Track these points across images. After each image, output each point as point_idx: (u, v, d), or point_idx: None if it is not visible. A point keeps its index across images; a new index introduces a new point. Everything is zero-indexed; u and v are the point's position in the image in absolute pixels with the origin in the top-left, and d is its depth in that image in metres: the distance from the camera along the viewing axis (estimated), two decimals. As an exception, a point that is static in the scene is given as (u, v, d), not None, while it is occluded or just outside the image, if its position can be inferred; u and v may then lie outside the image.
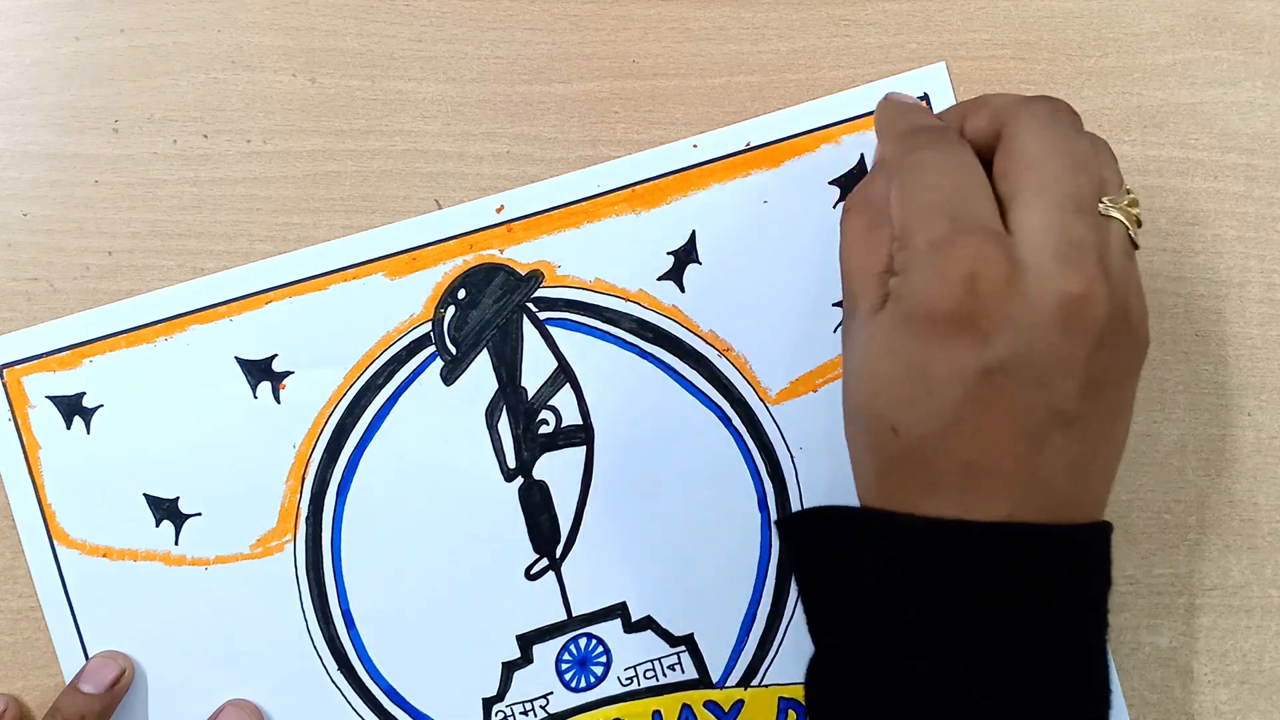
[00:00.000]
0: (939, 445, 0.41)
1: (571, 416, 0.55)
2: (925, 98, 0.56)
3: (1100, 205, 0.42)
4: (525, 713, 0.55)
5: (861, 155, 0.55)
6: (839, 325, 0.55)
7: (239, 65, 0.54)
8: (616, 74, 0.55)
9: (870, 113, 0.55)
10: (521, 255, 0.55)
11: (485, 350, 0.55)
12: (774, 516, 0.55)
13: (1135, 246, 0.44)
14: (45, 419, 0.54)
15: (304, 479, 0.54)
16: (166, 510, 0.54)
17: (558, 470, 0.55)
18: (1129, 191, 0.44)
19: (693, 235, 0.55)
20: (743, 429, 0.55)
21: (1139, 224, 0.44)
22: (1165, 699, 0.57)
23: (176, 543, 0.54)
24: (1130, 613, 0.56)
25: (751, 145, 0.55)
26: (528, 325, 0.55)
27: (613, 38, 0.56)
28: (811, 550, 0.46)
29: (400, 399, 0.54)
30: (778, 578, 0.55)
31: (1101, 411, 0.42)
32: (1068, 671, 0.41)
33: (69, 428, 0.54)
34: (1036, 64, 0.56)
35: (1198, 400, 0.57)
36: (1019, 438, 0.41)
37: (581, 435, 0.55)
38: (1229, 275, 0.57)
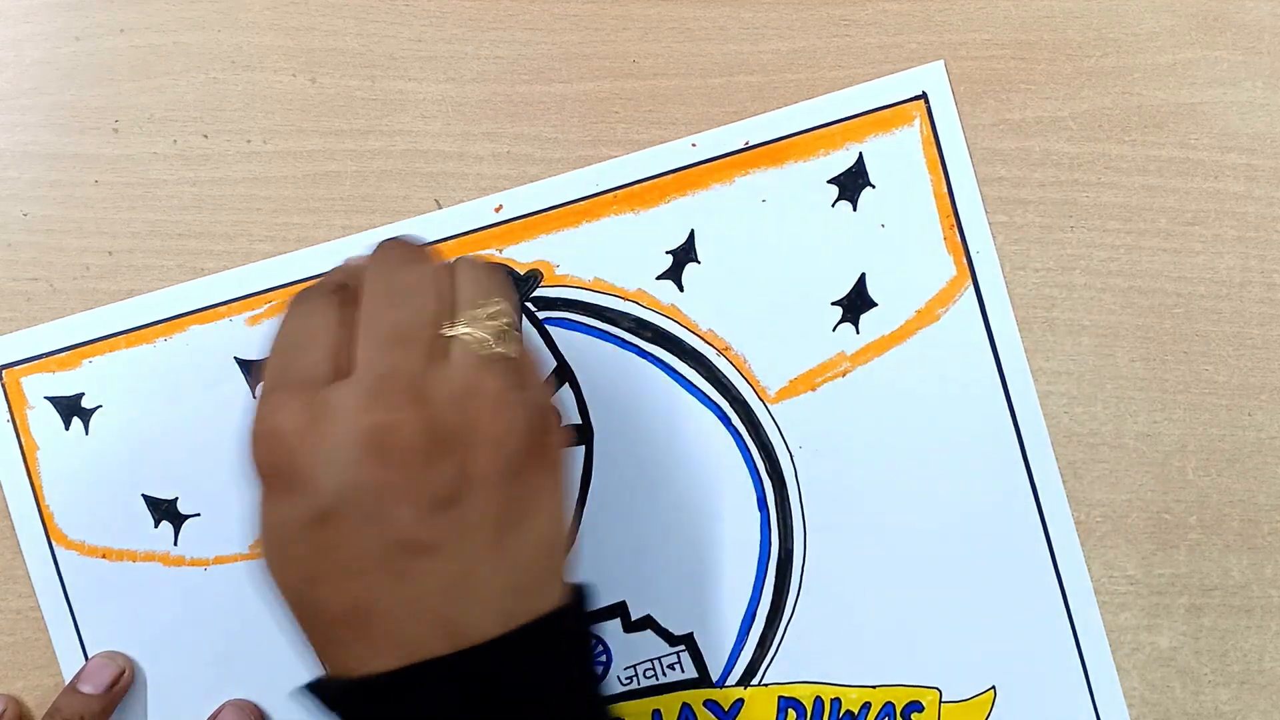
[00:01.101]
0: (314, 601, 0.41)
1: (571, 416, 0.55)
2: (924, 96, 0.56)
3: (441, 328, 0.42)
4: None
5: (860, 154, 0.55)
6: (838, 324, 0.55)
7: (239, 65, 0.54)
8: (616, 74, 0.55)
9: (868, 111, 0.56)
10: (520, 254, 0.55)
11: None
12: (773, 515, 0.55)
13: (507, 353, 0.43)
14: (44, 420, 0.54)
15: None
16: (165, 511, 0.54)
17: None
18: (490, 307, 0.43)
19: (691, 234, 0.55)
20: (742, 428, 0.55)
21: (501, 335, 0.43)
22: (1165, 699, 0.56)
23: (176, 543, 0.54)
24: (1130, 613, 0.56)
25: (750, 144, 0.55)
26: (527, 325, 0.55)
27: (613, 38, 0.56)
28: None
29: None
30: (777, 577, 0.55)
31: (474, 527, 0.41)
32: None
33: (68, 428, 0.54)
34: (1036, 64, 0.56)
35: (1198, 400, 0.57)
36: (375, 576, 0.40)
37: (580, 435, 0.55)
38: (1229, 275, 0.57)
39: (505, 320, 0.43)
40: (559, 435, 0.44)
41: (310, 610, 0.42)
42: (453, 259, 0.45)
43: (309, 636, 0.42)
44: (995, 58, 0.56)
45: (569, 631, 0.43)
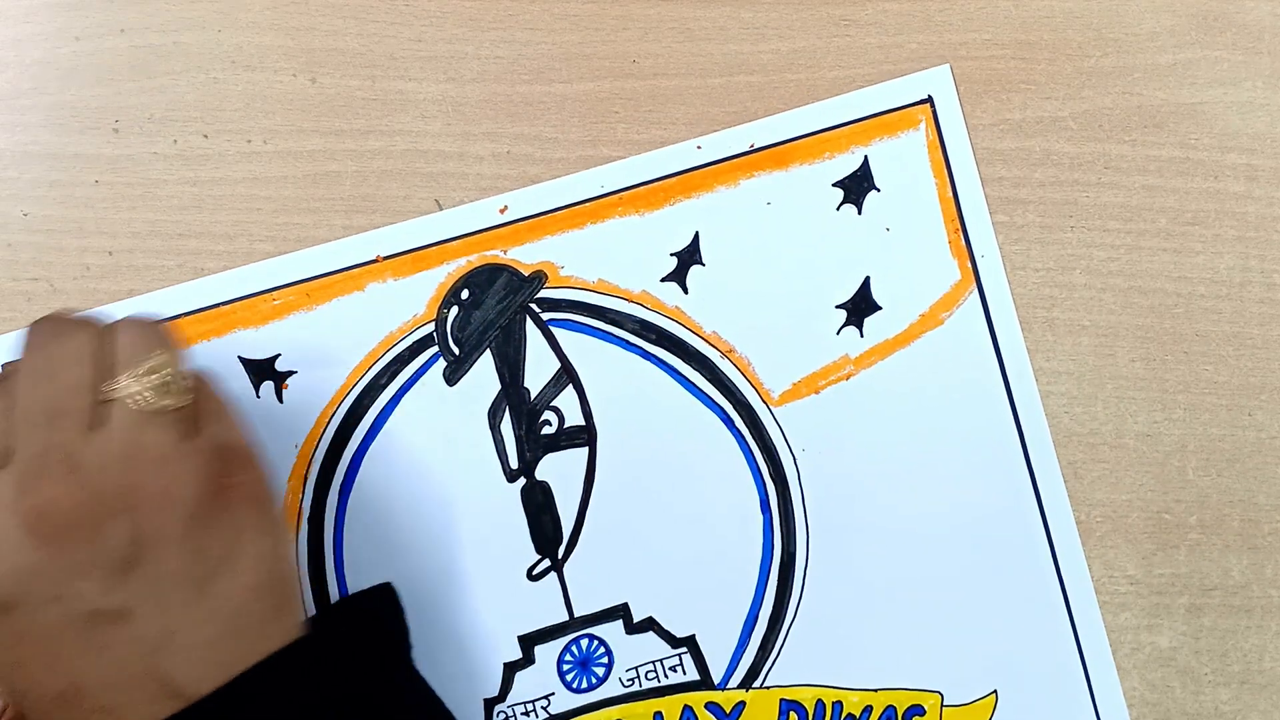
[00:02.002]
0: (25, 689, 0.41)
1: (574, 417, 0.55)
2: (930, 100, 0.56)
3: (98, 393, 0.41)
4: (527, 713, 0.54)
5: (865, 158, 0.55)
6: (842, 327, 0.55)
7: (239, 65, 0.54)
8: (617, 74, 0.55)
9: (874, 114, 0.55)
10: (525, 256, 0.55)
11: (488, 351, 0.54)
12: (776, 518, 0.55)
13: (175, 403, 0.42)
14: None
15: (306, 478, 0.54)
16: None
17: (560, 471, 0.55)
18: (154, 360, 0.43)
19: (696, 237, 0.55)
20: (745, 430, 0.55)
21: (168, 386, 0.42)
22: (1165, 699, 0.57)
23: None
24: (1130, 613, 0.56)
25: (756, 147, 0.55)
26: (531, 326, 0.55)
27: (613, 38, 0.55)
28: None
29: (403, 399, 0.54)
30: (780, 580, 0.55)
31: (165, 583, 0.41)
32: None
33: None
34: (1036, 64, 0.56)
35: (1198, 400, 0.57)
36: (75, 652, 0.40)
37: (584, 436, 0.55)
38: (1229, 275, 0.57)
39: (166, 372, 0.42)
40: (249, 473, 0.43)
41: (25, 697, 0.41)
42: (112, 322, 0.44)
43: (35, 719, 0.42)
44: (995, 58, 0.56)
45: (311, 662, 0.42)
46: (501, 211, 0.55)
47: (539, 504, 0.54)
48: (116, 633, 0.40)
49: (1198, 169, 0.57)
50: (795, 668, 0.55)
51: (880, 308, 0.55)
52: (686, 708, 0.55)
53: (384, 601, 0.46)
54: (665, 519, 0.55)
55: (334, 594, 0.54)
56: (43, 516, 0.40)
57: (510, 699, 0.54)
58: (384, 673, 0.44)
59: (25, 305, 0.54)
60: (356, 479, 0.54)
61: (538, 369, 0.55)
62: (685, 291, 0.55)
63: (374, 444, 0.54)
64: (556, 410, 0.55)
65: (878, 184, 0.55)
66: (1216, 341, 0.57)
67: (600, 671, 0.55)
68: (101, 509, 0.40)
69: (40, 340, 0.43)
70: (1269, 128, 0.57)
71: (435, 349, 0.54)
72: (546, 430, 0.55)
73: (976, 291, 0.56)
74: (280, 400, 0.54)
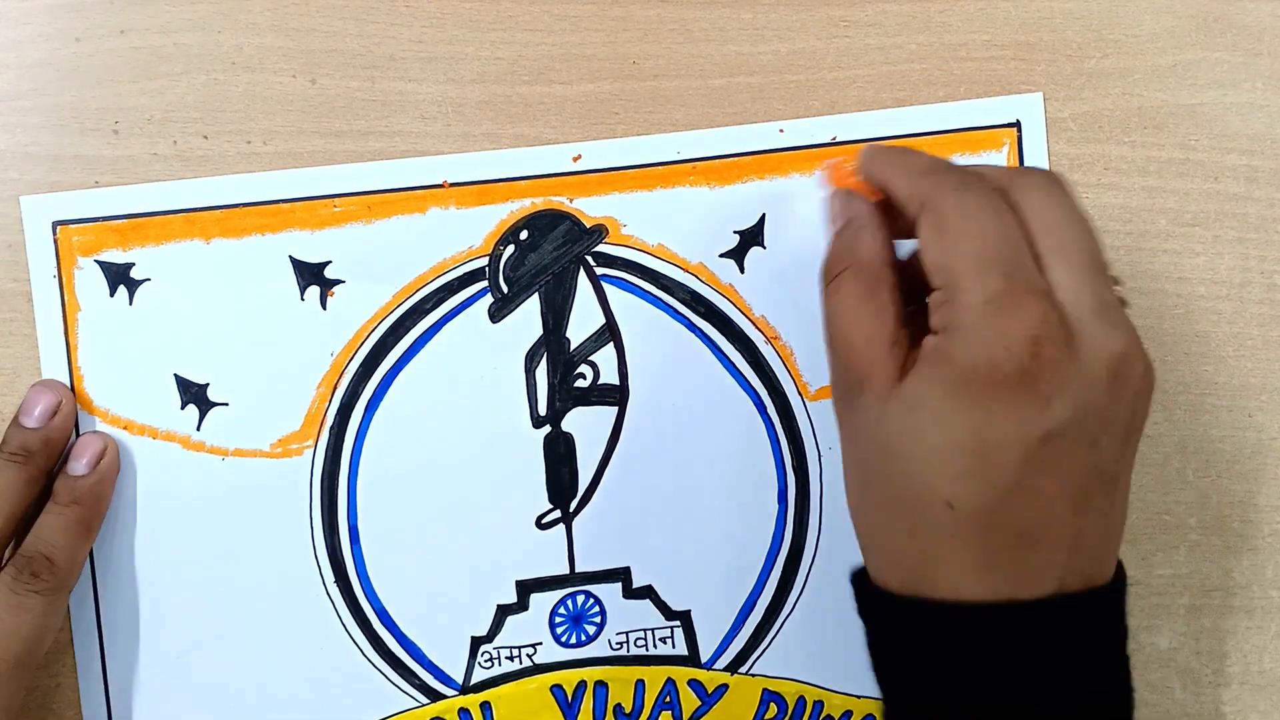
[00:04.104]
0: (995, 516, 0.40)
1: (609, 375, 0.55)
2: (1018, 125, 0.56)
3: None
4: (511, 658, 0.55)
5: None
6: None
7: (239, 66, 0.54)
8: (617, 75, 0.55)
9: (959, 129, 0.56)
10: (590, 208, 0.55)
11: (536, 295, 0.55)
12: (791, 511, 0.55)
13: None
14: (90, 282, 0.53)
15: (335, 388, 0.54)
16: (194, 395, 0.54)
17: (586, 425, 0.55)
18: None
19: (762, 218, 0.55)
20: (776, 419, 0.55)
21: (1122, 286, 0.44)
22: (1165, 699, 0.57)
23: (199, 429, 0.54)
24: (1130, 613, 0.56)
25: (837, 140, 0.55)
26: (583, 277, 0.55)
27: (613, 39, 0.55)
28: (884, 636, 0.45)
29: (444, 327, 0.54)
30: (784, 571, 0.55)
31: (1129, 466, 0.42)
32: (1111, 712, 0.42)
33: (112, 295, 0.53)
34: (1036, 65, 0.56)
35: (1198, 401, 0.57)
36: (1068, 502, 0.40)
37: (615, 395, 0.55)
38: (1229, 276, 0.57)
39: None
40: None
41: (986, 525, 0.40)
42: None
43: (939, 547, 0.41)
44: (995, 59, 0.56)
45: (1115, 608, 0.44)
46: (575, 160, 0.55)
47: (560, 454, 0.55)
48: (1099, 497, 0.41)
49: (1198, 170, 0.57)
50: (783, 660, 0.55)
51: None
52: (669, 680, 0.55)
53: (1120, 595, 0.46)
54: (681, 492, 0.55)
55: (342, 509, 0.54)
56: (1123, 366, 0.40)
57: (498, 641, 0.55)
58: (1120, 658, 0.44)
59: (25, 306, 0.54)
60: (385, 397, 0.54)
61: (582, 321, 0.55)
62: (741, 271, 0.55)
63: (408, 366, 0.54)
64: (593, 365, 0.55)
65: None
66: (1216, 342, 0.57)
67: (591, 630, 0.55)
68: (1146, 380, 0.42)
69: (1067, 200, 0.43)
70: (1269, 129, 0.57)
71: (484, 284, 0.54)
72: (580, 383, 0.55)
73: None
74: (324, 307, 0.54)
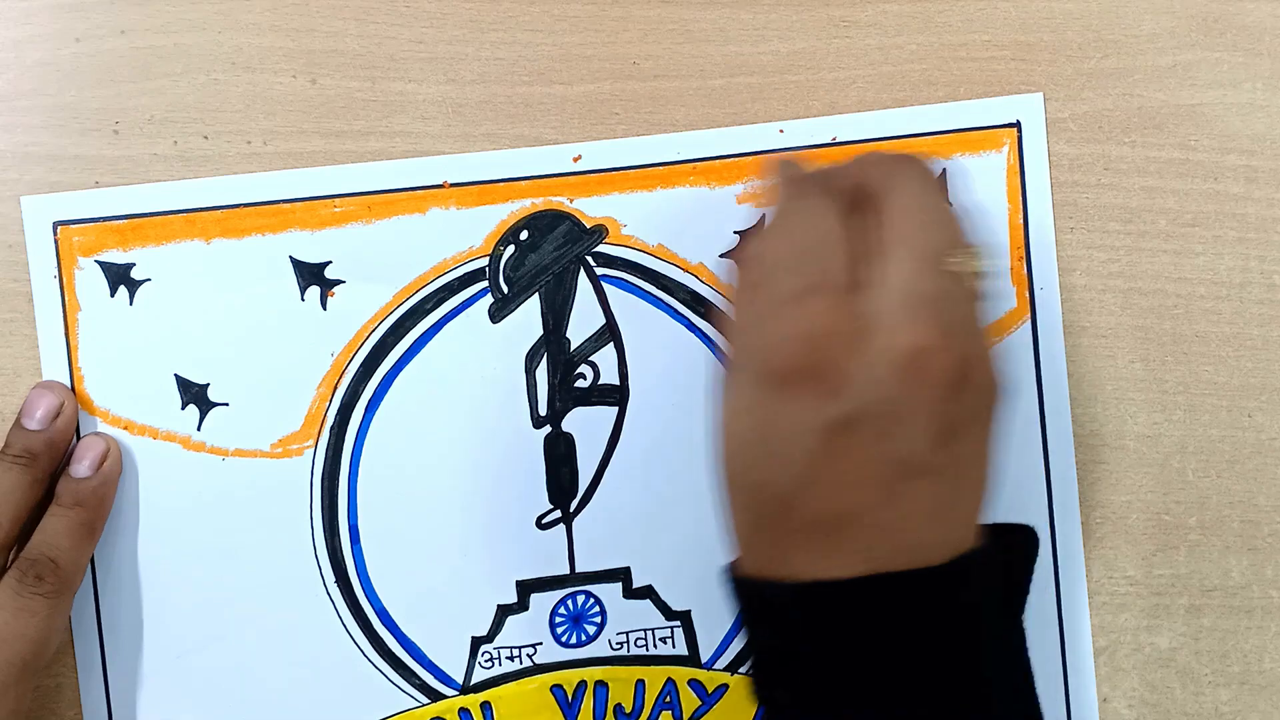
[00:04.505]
0: (795, 501, 0.42)
1: (609, 375, 0.55)
2: (1018, 125, 0.56)
3: (947, 263, 0.43)
4: (512, 658, 0.55)
5: (944, 170, 0.55)
6: None
7: (239, 66, 0.54)
8: (617, 75, 0.55)
9: (959, 129, 0.55)
10: (590, 208, 0.55)
11: (536, 295, 0.55)
12: None
13: (981, 299, 0.44)
14: (90, 282, 0.53)
15: (336, 388, 0.54)
16: (195, 395, 0.54)
17: (587, 426, 0.55)
18: (974, 247, 0.44)
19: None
20: None
21: (982, 276, 0.44)
22: (1165, 699, 0.57)
23: (199, 429, 0.54)
24: (1130, 613, 0.56)
25: (838, 140, 0.55)
26: (583, 278, 0.55)
27: (613, 39, 0.55)
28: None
29: (445, 327, 0.54)
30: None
31: (958, 461, 0.42)
32: (959, 696, 0.42)
33: (113, 296, 0.53)
34: (1036, 65, 0.56)
35: (1198, 401, 0.57)
36: (871, 489, 0.41)
37: (616, 395, 0.55)
38: (1229, 276, 0.57)
39: (989, 261, 0.45)
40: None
41: (786, 510, 0.42)
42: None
43: (763, 532, 0.43)
44: (995, 59, 0.56)
45: (995, 567, 0.44)
46: (575, 160, 0.55)
47: (560, 454, 0.55)
48: (913, 488, 0.41)
49: (1197, 170, 0.57)
50: (785, 662, 0.55)
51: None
52: (669, 680, 0.55)
53: (1029, 547, 0.47)
54: (681, 492, 0.55)
55: (342, 509, 0.54)
56: (920, 359, 0.41)
57: (498, 641, 0.55)
58: (1006, 618, 0.45)
59: (25, 306, 0.54)
60: (385, 397, 0.54)
61: (582, 321, 0.55)
62: None
63: (408, 366, 0.54)
64: (593, 365, 0.55)
65: (951, 198, 0.55)
66: (1216, 342, 0.57)
67: (591, 630, 0.55)
68: (960, 375, 0.41)
69: (915, 180, 0.44)
70: (1269, 129, 0.57)
71: (485, 284, 0.54)
72: (580, 383, 0.55)
73: (1030, 323, 0.56)
74: (324, 307, 0.54)
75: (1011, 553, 0.45)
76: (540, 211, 0.55)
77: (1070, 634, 0.56)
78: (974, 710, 0.42)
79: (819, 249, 0.43)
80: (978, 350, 0.43)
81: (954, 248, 0.43)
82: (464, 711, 0.55)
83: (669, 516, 0.55)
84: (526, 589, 0.55)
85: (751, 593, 0.44)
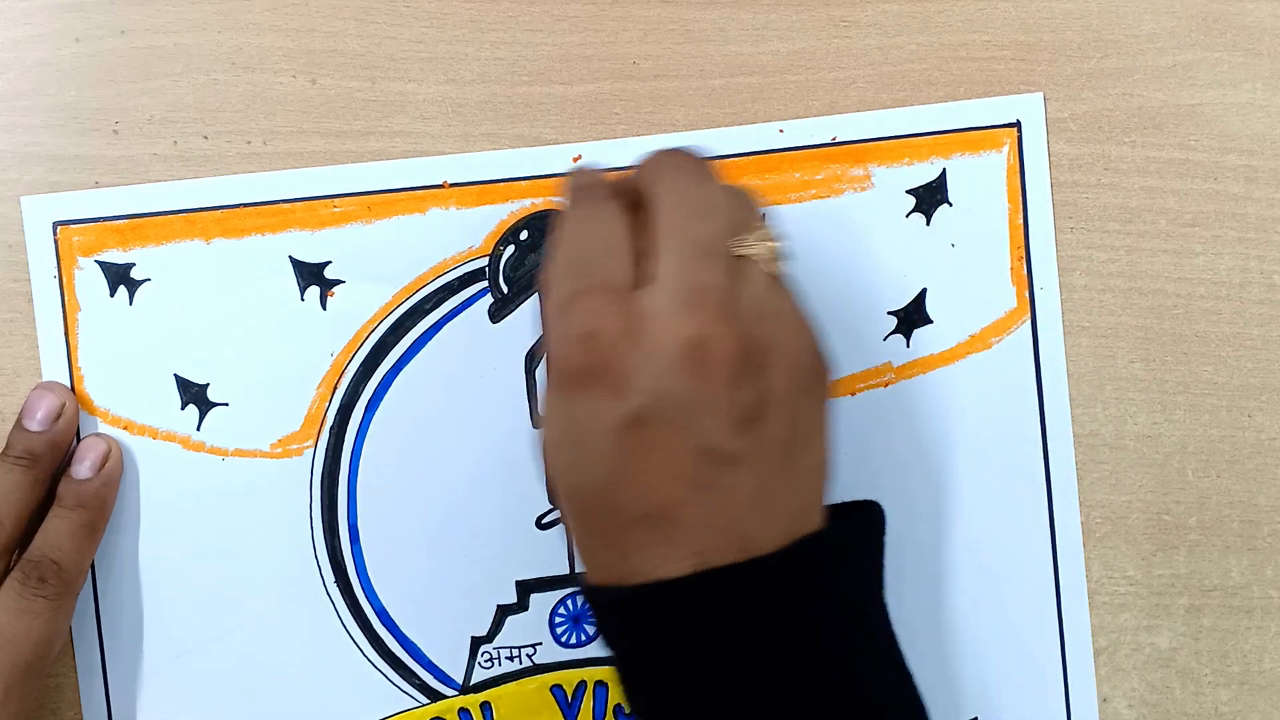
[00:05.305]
0: (609, 502, 0.42)
1: None
2: (1018, 125, 0.56)
3: (732, 245, 0.43)
4: (511, 658, 0.55)
5: (944, 170, 0.55)
6: (890, 334, 0.55)
7: (239, 66, 0.54)
8: (617, 75, 0.55)
9: (959, 129, 0.56)
10: None
11: (536, 295, 0.55)
12: None
13: (782, 278, 0.44)
14: (90, 282, 0.53)
15: (335, 388, 0.54)
16: (194, 395, 0.54)
17: None
18: (765, 227, 0.44)
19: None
20: None
21: (779, 255, 0.44)
22: (1165, 699, 0.57)
23: (199, 429, 0.54)
24: (1130, 613, 0.56)
25: (837, 140, 0.55)
26: None
27: (613, 39, 0.55)
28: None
29: (444, 327, 0.54)
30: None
31: (772, 444, 0.42)
32: (820, 688, 0.41)
33: (112, 295, 0.53)
34: (1036, 65, 0.56)
35: (1198, 401, 0.57)
36: (680, 483, 0.41)
37: None
38: (1229, 276, 0.57)
39: (781, 241, 0.44)
40: (829, 360, 0.45)
41: (605, 510, 0.42)
42: (720, 181, 0.46)
43: (594, 536, 0.43)
44: (995, 59, 0.56)
45: (840, 545, 0.44)
46: (575, 160, 0.55)
47: None
48: (722, 476, 0.41)
49: (1197, 170, 0.57)
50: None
51: (931, 321, 0.55)
52: None
53: (875, 521, 0.47)
54: None
55: (342, 509, 0.54)
56: (701, 349, 0.41)
57: (498, 641, 0.55)
58: (866, 595, 0.45)
59: (25, 306, 0.54)
60: (385, 397, 0.54)
61: None
62: None
63: (408, 366, 0.54)
64: None
65: (951, 198, 0.55)
66: (1216, 342, 0.57)
67: (591, 630, 0.55)
68: (749, 359, 0.41)
69: (682, 173, 0.45)
70: (1269, 129, 0.57)
71: (484, 284, 0.54)
72: None
73: (1029, 322, 0.56)
74: (324, 307, 0.54)
75: (855, 530, 0.45)
76: (540, 211, 0.55)
77: (1070, 634, 0.56)
78: (843, 694, 0.42)
79: (598, 251, 0.43)
80: (775, 332, 0.43)
81: (737, 231, 0.43)
82: (464, 711, 0.55)
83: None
84: (526, 589, 0.55)
85: (599, 600, 0.44)
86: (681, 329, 0.41)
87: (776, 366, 0.42)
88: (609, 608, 0.43)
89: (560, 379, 0.42)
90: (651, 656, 0.42)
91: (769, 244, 0.44)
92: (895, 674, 0.44)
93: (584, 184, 0.47)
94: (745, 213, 0.45)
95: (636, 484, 0.41)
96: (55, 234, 0.53)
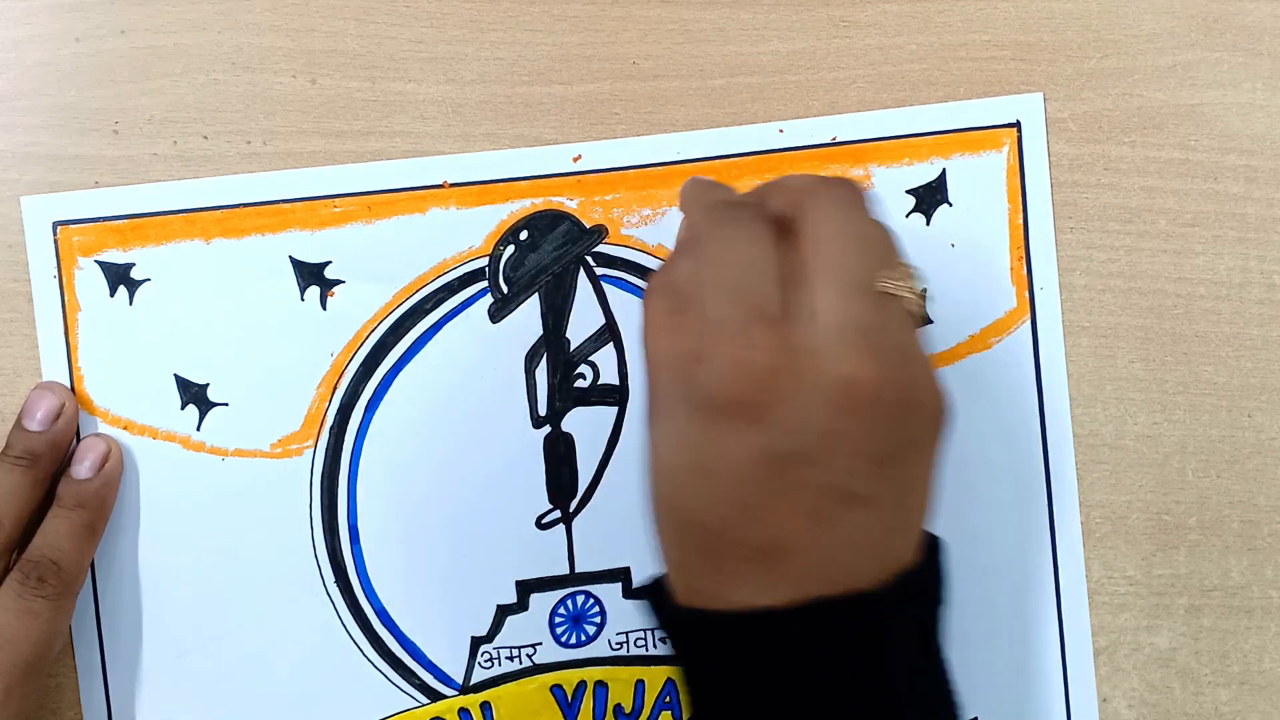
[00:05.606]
0: (731, 532, 0.41)
1: (609, 375, 0.55)
2: (1017, 125, 0.56)
3: (879, 283, 0.42)
4: (511, 658, 0.55)
5: (943, 170, 0.55)
6: None
7: (239, 66, 0.54)
8: (616, 75, 0.55)
9: (959, 129, 0.56)
10: (589, 208, 0.55)
11: (536, 295, 0.55)
12: None
13: (922, 320, 0.44)
14: (90, 282, 0.53)
15: (335, 388, 0.54)
16: (194, 395, 0.54)
17: (586, 426, 0.55)
18: (908, 265, 0.44)
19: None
20: None
21: (922, 296, 0.44)
22: (1165, 699, 0.57)
23: (199, 429, 0.54)
24: (1130, 613, 0.56)
25: (837, 140, 0.55)
26: (583, 278, 0.55)
27: (613, 39, 0.56)
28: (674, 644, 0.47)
29: (444, 327, 0.54)
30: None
31: (893, 488, 0.42)
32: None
33: (112, 296, 0.53)
34: (1036, 65, 0.56)
35: (1198, 401, 0.57)
36: (805, 519, 0.41)
37: (615, 395, 0.55)
38: (1229, 276, 0.57)
39: (923, 285, 0.44)
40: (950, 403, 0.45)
41: (725, 541, 0.42)
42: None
43: (700, 560, 0.43)
44: (995, 59, 0.56)
45: (932, 582, 0.44)
46: (575, 160, 0.55)
47: (560, 455, 0.55)
48: (847, 514, 0.41)
49: (1197, 170, 0.57)
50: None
51: (931, 321, 0.55)
52: (669, 680, 0.55)
53: (944, 553, 0.46)
54: None
55: (342, 509, 0.54)
56: (855, 391, 0.40)
57: (498, 641, 0.55)
58: (937, 625, 0.45)
59: (25, 306, 0.54)
60: (385, 397, 0.54)
61: (582, 321, 0.55)
62: None
63: (408, 366, 0.54)
64: (593, 365, 0.55)
65: (950, 199, 0.55)
66: (1216, 342, 0.57)
67: (591, 630, 0.55)
68: (896, 401, 0.41)
69: (838, 204, 0.44)
70: (1269, 129, 0.57)
71: (484, 284, 0.54)
72: (580, 383, 0.55)
73: (1029, 323, 0.56)
74: (324, 307, 0.54)
75: (938, 566, 0.45)
76: (540, 211, 0.55)
77: (1070, 634, 0.56)
78: None
79: (754, 277, 0.42)
80: (917, 374, 0.42)
81: (885, 269, 0.43)
82: (464, 711, 0.55)
83: (668, 517, 0.55)
84: (526, 589, 0.55)
85: (687, 623, 0.43)
86: (840, 369, 0.41)
87: (911, 409, 0.42)
88: (697, 628, 0.43)
89: (705, 405, 0.41)
90: (738, 678, 0.42)
91: (913, 283, 0.43)
92: (948, 699, 0.44)
93: (729, 200, 0.47)
94: (891, 250, 0.44)
95: (764, 518, 0.41)
96: (55, 234, 0.53)
